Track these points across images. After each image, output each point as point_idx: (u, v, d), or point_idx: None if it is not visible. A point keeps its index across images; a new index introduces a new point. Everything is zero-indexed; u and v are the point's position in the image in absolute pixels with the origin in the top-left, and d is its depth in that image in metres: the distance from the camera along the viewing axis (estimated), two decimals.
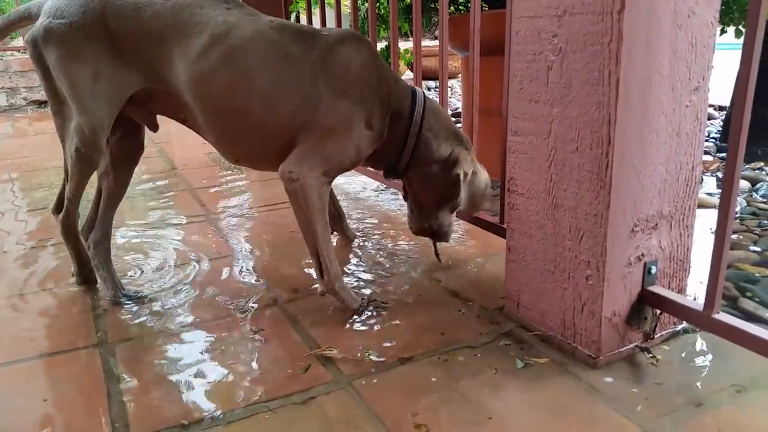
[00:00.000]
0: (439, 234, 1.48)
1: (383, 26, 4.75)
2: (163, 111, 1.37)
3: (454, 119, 3.60)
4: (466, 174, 1.36)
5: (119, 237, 1.84)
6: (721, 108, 3.66)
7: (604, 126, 1.00)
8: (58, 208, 1.43)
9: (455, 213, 1.48)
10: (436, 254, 1.56)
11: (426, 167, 1.40)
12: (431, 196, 1.43)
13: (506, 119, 1.22)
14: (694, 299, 1.21)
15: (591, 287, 1.08)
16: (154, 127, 1.43)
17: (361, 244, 1.75)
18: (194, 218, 2.01)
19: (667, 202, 1.10)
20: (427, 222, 1.47)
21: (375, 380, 1.07)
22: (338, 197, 1.80)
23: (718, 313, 1.01)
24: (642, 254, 1.09)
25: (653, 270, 1.11)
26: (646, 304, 1.12)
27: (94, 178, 1.42)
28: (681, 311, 1.07)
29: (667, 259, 1.14)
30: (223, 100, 1.25)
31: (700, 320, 1.03)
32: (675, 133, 1.07)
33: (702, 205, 1.90)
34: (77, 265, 1.47)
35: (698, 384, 1.04)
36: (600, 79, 0.99)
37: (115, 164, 1.45)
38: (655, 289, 1.11)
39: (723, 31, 2.24)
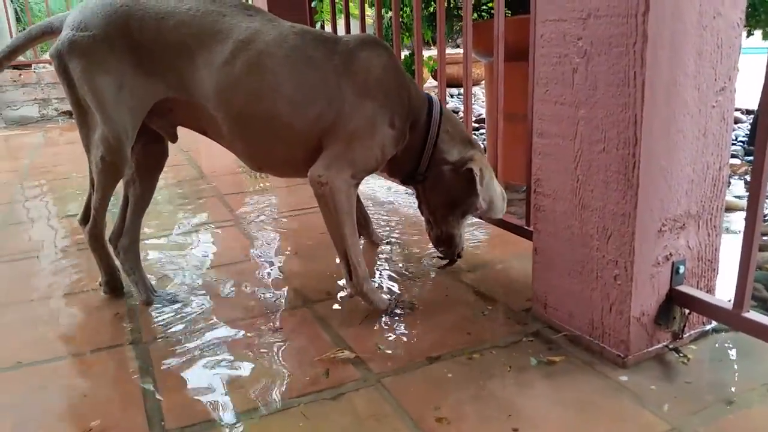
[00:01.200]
0: (451, 244, 1.49)
1: (407, 34, 4.78)
2: (185, 122, 1.40)
3: (477, 125, 3.63)
4: (481, 170, 1.38)
5: (150, 243, 1.88)
6: (748, 112, 3.62)
7: (631, 126, 1.01)
8: (85, 219, 1.45)
9: (481, 217, 1.50)
10: (443, 266, 1.58)
11: (439, 171, 1.43)
12: (444, 199, 1.46)
13: (531, 122, 1.24)
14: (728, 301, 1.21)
15: (619, 287, 1.09)
16: (174, 138, 1.46)
17: (387, 248, 1.77)
18: (223, 223, 2.05)
19: (695, 202, 1.10)
20: (440, 228, 1.48)
21: (403, 378, 1.09)
22: (364, 201, 1.83)
23: (748, 311, 1.01)
24: (670, 254, 1.10)
25: (681, 270, 1.11)
26: (675, 304, 1.12)
27: (119, 187, 1.46)
28: (710, 310, 1.08)
29: (695, 259, 1.14)
30: (250, 106, 1.28)
31: (730, 319, 1.03)
32: (701, 134, 1.07)
33: (730, 208, 1.89)
34: (104, 274, 1.49)
35: (729, 383, 1.04)
36: (625, 80, 1.00)
37: (140, 171, 1.48)
38: (684, 288, 1.11)
39: (750, 34, 2.23)
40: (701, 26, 1.00)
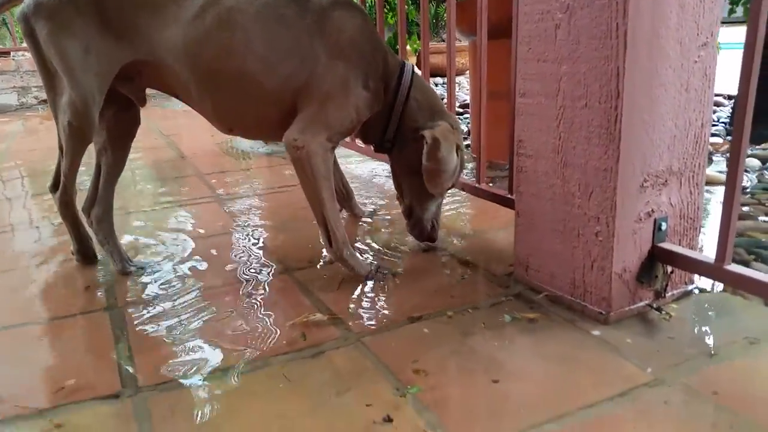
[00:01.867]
0: (419, 221, 1.45)
1: (390, 14, 4.78)
2: (154, 84, 1.37)
3: (461, 109, 3.61)
4: (434, 139, 1.32)
5: (127, 218, 1.85)
6: (730, 97, 3.65)
7: (613, 79, 1.00)
8: (55, 186, 1.43)
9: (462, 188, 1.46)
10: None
11: (405, 140, 1.40)
12: (408, 170, 1.42)
13: (514, 82, 1.22)
14: None
15: (601, 243, 1.08)
16: (143, 102, 1.43)
17: (370, 220, 1.75)
18: (203, 200, 2.02)
19: (677, 159, 1.10)
20: (408, 203, 1.45)
21: (383, 336, 1.08)
22: (349, 182, 1.80)
23: (730, 264, 1.01)
24: (652, 210, 1.09)
25: (663, 226, 1.11)
26: (657, 261, 1.12)
27: (92, 157, 1.42)
28: (692, 265, 1.07)
29: (677, 216, 1.14)
30: (219, 62, 1.26)
31: (712, 272, 1.03)
32: (684, 89, 1.07)
33: (713, 182, 1.89)
34: (76, 242, 1.46)
35: (711, 338, 1.03)
36: (608, 32, 0.99)
37: (112, 139, 1.45)
38: (666, 245, 1.11)
39: (732, 11, 2.24)
40: None
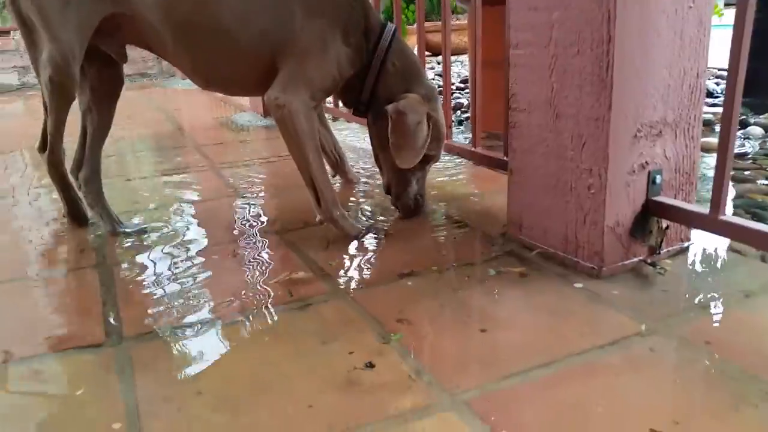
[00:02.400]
0: (398, 195, 1.40)
1: None
2: (133, 39, 1.35)
3: (462, 85, 3.57)
4: (398, 113, 1.27)
5: (124, 185, 1.84)
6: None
7: (604, 23, 0.97)
8: (43, 146, 1.41)
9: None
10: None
11: (379, 107, 1.34)
12: (380, 141, 1.38)
13: (508, 33, 1.20)
14: None
15: (593, 196, 1.06)
16: (123, 58, 1.40)
17: (363, 185, 1.73)
18: (198, 168, 2.01)
19: (672, 110, 1.07)
20: (386, 175, 1.41)
21: (372, 290, 1.07)
22: (346, 153, 1.78)
23: (725, 215, 0.98)
24: (646, 162, 1.07)
25: (658, 179, 1.09)
26: (651, 215, 1.09)
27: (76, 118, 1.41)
28: (687, 217, 1.05)
29: (672, 170, 1.11)
30: (194, 16, 1.24)
31: (707, 223, 1.01)
32: (678, 36, 1.04)
33: (710, 149, 1.86)
34: (66, 204, 1.45)
35: (705, 290, 1.01)
36: None
37: (96, 99, 1.43)
38: (660, 198, 1.09)
39: None
40: None
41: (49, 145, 1.37)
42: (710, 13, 1.07)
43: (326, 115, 1.82)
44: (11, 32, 4.91)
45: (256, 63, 1.28)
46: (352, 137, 2.39)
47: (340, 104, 1.98)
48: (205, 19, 1.24)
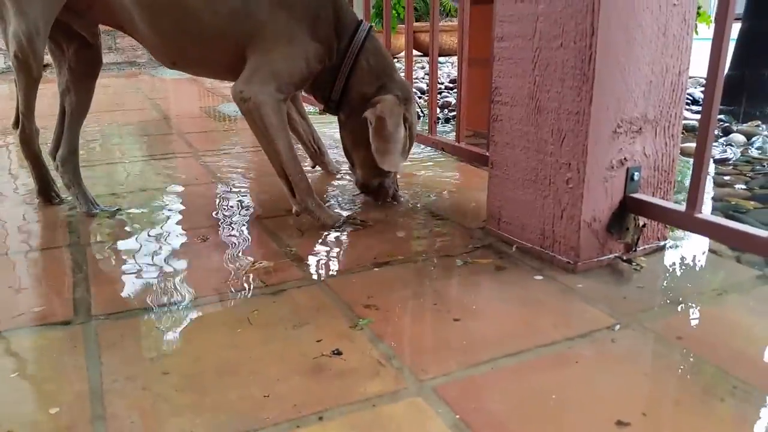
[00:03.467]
0: (371, 191, 1.40)
1: None
2: (104, 19, 1.33)
3: (452, 84, 3.57)
4: (378, 119, 1.27)
5: (102, 167, 1.82)
6: None
7: (588, 16, 0.97)
8: (16, 123, 1.39)
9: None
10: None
11: (355, 110, 1.33)
12: (351, 140, 1.37)
13: (493, 26, 1.19)
14: None
15: (571, 191, 1.06)
16: (95, 37, 1.39)
17: (342, 176, 1.72)
18: (181, 154, 1.99)
19: (653, 106, 1.07)
20: (356, 171, 1.40)
21: (346, 278, 1.06)
22: (327, 145, 1.77)
23: (701, 213, 0.99)
24: (625, 158, 1.07)
25: (636, 176, 1.09)
26: (628, 212, 1.10)
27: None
28: (663, 214, 1.05)
29: (651, 168, 1.11)
30: None
31: (683, 220, 1.01)
32: (661, 33, 1.04)
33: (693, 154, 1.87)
34: (37, 181, 1.44)
35: (680, 288, 1.01)
36: None
37: (74, 79, 1.41)
38: (638, 195, 1.09)
39: None
40: None
41: (21, 123, 1.36)
42: (694, 11, 1.07)
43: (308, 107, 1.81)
44: None
45: (222, 47, 1.27)
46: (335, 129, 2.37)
47: None
48: None
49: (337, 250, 1.19)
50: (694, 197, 0.99)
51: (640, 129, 1.07)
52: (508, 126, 1.18)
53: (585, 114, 1.01)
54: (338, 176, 1.72)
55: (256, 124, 1.24)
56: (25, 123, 1.36)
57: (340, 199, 1.52)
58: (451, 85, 3.61)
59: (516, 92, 1.14)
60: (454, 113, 2.81)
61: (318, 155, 1.72)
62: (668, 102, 1.09)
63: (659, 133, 1.10)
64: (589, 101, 0.99)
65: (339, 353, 0.81)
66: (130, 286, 1.02)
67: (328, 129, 2.20)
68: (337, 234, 1.27)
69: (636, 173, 1.09)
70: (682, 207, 1.01)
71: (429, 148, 1.89)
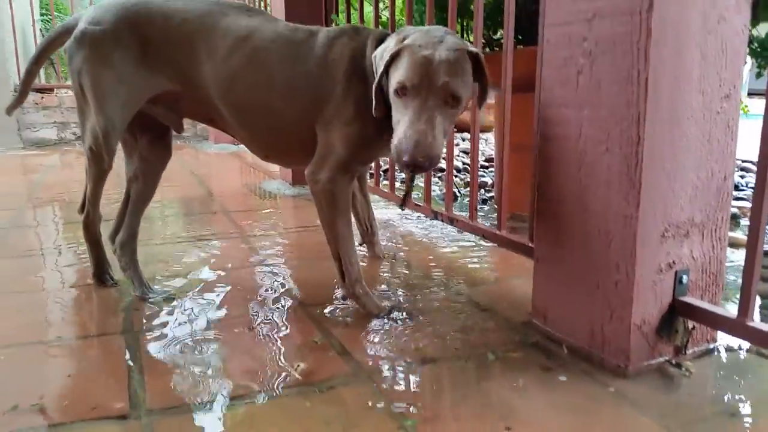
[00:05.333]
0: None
1: None
2: (191, 113, 1.45)
3: (486, 163, 3.62)
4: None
5: (152, 249, 1.88)
6: None
7: (633, 125, 1.00)
8: (82, 208, 1.49)
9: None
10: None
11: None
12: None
13: (537, 126, 1.23)
14: None
15: (620, 293, 1.06)
16: (180, 128, 1.49)
17: (389, 261, 1.75)
18: (227, 234, 2.05)
19: (699, 210, 1.09)
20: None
21: (394, 376, 1.06)
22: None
23: (753, 320, 0.98)
24: (673, 261, 1.07)
25: (684, 279, 1.09)
26: (678, 315, 1.09)
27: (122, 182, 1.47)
28: (713, 319, 1.04)
29: (699, 270, 1.11)
30: (247, 97, 1.33)
31: (735, 328, 1.00)
32: (706, 140, 1.06)
33: (740, 245, 1.86)
34: (93, 265, 1.51)
35: (733, 397, 0.99)
36: (629, 78, 1.00)
37: (144, 168, 1.50)
38: (687, 299, 1.08)
39: (759, 75, 2.24)
40: (705, 30, 1.01)
41: (86, 209, 1.45)
42: (737, 118, 1.10)
43: None
44: (54, 89, 5.14)
45: (301, 137, 1.34)
46: (376, 212, 2.42)
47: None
48: (257, 101, 1.33)
49: (383, 342, 1.19)
50: (745, 303, 0.98)
51: (687, 233, 1.08)
52: (553, 223, 1.19)
53: (632, 218, 1.02)
54: (384, 260, 1.75)
55: (321, 205, 1.30)
56: (90, 210, 1.44)
57: (384, 284, 1.54)
58: (486, 164, 3.66)
59: (561, 191, 1.16)
60: (490, 194, 2.84)
61: (368, 234, 1.76)
62: (714, 206, 1.10)
63: (706, 236, 1.10)
64: (636, 206, 1.01)
65: None
66: (183, 379, 1.04)
67: (379, 214, 2.25)
68: (382, 323, 1.28)
69: (684, 276, 1.09)
70: (734, 313, 1.00)
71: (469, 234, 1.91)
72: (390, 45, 1.20)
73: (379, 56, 1.22)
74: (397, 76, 1.13)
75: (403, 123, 1.11)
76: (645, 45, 0.96)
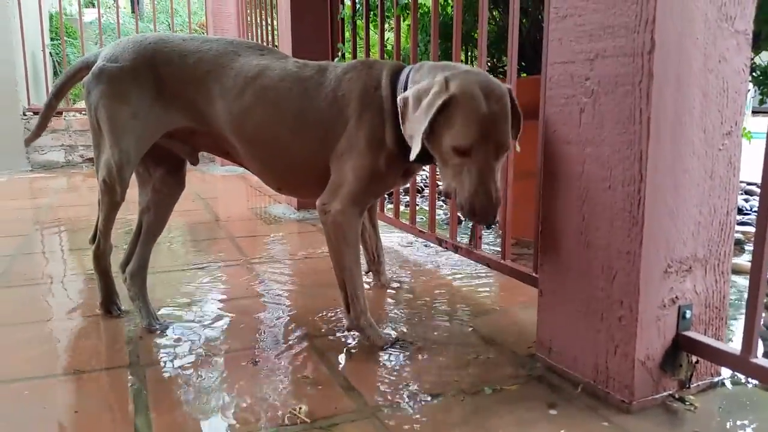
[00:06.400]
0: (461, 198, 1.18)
1: None
2: (206, 146, 1.48)
3: None
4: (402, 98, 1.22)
5: (158, 275, 1.89)
6: None
7: (636, 163, 1.01)
8: (93, 239, 1.51)
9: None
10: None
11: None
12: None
13: (540, 163, 1.25)
14: None
15: (624, 328, 1.06)
16: (195, 161, 1.53)
17: (394, 291, 1.75)
18: (232, 262, 2.06)
19: (702, 246, 1.09)
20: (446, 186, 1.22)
21: (400, 412, 1.06)
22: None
23: (756, 357, 0.98)
24: (676, 296, 1.08)
25: (688, 314, 1.09)
26: (681, 350, 1.09)
27: (134, 213, 1.49)
28: (717, 355, 1.04)
29: (702, 305, 1.12)
30: (258, 133, 1.36)
31: (738, 364, 1.00)
32: (708, 176, 1.07)
33: (744, 272, 1.86)
34: (102, 294, 1.53)
35: (738, 431, 0.99)
36: (631, 117, 1.01)
37: (156, 200, 1.52)
38: (691, 333, 1.09)
39: (762, 101, 2.26)
40: (707, 69, 1.02)
41: (97, 240, 1.47)
42: (739, 154, 1.11)
43: None
44: (63, 113, 5.19)
45: (313, 171, 1.37)
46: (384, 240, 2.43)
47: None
48: (268, 136, 1.36)
49: (388, 377, 1.20)
50: (749, 340, 0.98)
51: (690, 268, 1.08)
52: (557, 257, 1.20)
53: (635, 255, 1.03)
54: (389, 290, 1.75)
55: (330, 236, 1.32)
56: (101, 241, 1.47)
57: (389, 315, 1.54)
58: None
59: (564, 226, 1.17)
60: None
61: (375, 263, 1.77)
62: (717, 241, 1.11)
63: (709, 271, 1.11)
64: (639, 243, 1.02)
65: None
66: (189, 416, 1.05)
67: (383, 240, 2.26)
68: (387, 357, 1.28)
69: (687, 311, 1.09)
70: (737, 349, 1.00)
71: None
72: (428, 88, 1.16)
73: (414, 98, 1.18)
74: (458, 138, 1.13)
75: (468, 181, 1.15)
76: (647, 85, 0.97)
